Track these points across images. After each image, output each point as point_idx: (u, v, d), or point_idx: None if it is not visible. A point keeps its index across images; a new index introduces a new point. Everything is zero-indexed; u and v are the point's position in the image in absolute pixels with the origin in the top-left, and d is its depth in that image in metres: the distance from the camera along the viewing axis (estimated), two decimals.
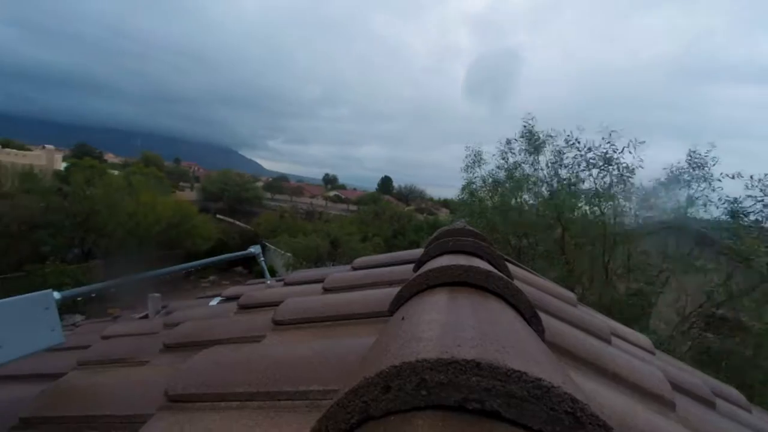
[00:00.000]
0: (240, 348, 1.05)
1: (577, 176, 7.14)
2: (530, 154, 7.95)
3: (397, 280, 1.57)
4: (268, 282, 2.91)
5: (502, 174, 8.76)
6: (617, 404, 0.85)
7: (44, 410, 1.05)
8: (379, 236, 21.61)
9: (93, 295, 1.67)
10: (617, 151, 6.51)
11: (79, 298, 1.55)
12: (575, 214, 7.24)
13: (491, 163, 9.00)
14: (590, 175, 6.98)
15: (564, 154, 7.38)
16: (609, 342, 1.43)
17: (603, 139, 6.61)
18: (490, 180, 8.92)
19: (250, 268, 19.71)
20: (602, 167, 6.69)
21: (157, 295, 3.31)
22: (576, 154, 7.08)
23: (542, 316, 0.91)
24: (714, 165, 6.16)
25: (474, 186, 9.17)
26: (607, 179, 6.84)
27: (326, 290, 1.71)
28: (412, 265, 1.60)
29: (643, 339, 1.90)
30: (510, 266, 1.59)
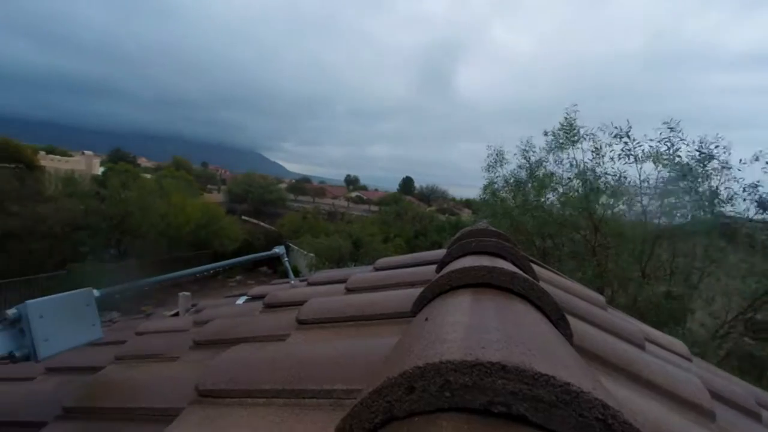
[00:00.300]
0: (265, 346, 1.07)
1: (620, 174, 6.70)
2: (559, 149, 7.58)
3: (419, 281, 1.57)
4: (292, 282, 2.96)
5: (523, 173, 8.56)
6: (651, 413, 0.81)
7: (85, 401, 1.11)
8: (401, 237, 21.60)
9: (128, 293, 1.75)
10: (674, 146, 6.08)
11: (116, 296, 1.63)
12: (611, 212, 6.90)
13: (513, 163, 8.81)
14: (641, 169, 6.53)
15: (603, 149, 6.95)
16: (642, 347, 1.37)
17: (660, 133, 6.19)
18: (512, 180, 8.74)
19: (275, 268, 20.14)
20: (663, 161, 6.19)
21: (187, 293, 3.44)
22: (624, 148, 6.58)
23: (570, 319, 0.88)
24: (729, 154, 5.82)
25: (496, 186, 9.02)
26: (663, 175, 6.41)
27: (349, 290, 1.73)
28: (434, 266, 1.59)
29: (678, 344, 1.81)
30: (535, 267, 1.56)
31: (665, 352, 1.60)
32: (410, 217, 28.04)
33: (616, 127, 6.58)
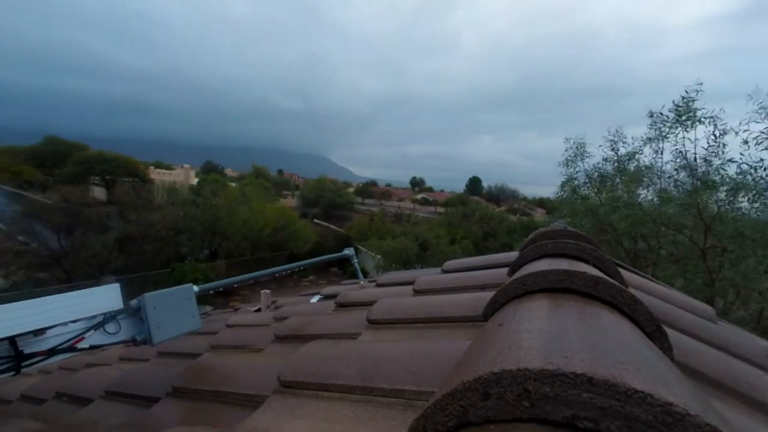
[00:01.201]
0: (339, 343, 1.12)
1: (754, 163, 5.50)
2: (662, 138, 6.54)
3: (490, 284, 1.51)
4: (361, 282, 3.05)
5: (609, 167, 7.72)
6: None
7: (189, 383, 1.27)
8: (468, 239, 20.98)
9: (221, 289, 1.97)
10: None
11: (210, 291, 1.85)
12: (729, 209, 5.82)
13: (596, 156, 8.00)
14: None
15: (723, 136, 5.87)
16: (766, 369, 1.15)
17: None
18: (596, 174, 7.94)
19: (344, 269, 20.96)
20: None
21: (267, 291, 3.73)
22: (765, 129, 5.31)
23: (669, 331, 0.78)
24: None
25: (576, 182, 8.28)
26: None
27: (417, 292, 1.73)
28: (505, 269, 1.52)
29: None
30: (623, 272, 1.40)
31: None
32: (478, 218, 27.11)
33: (761, 104, 5.25)
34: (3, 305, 1.07)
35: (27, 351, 1.14)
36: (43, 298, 1.15)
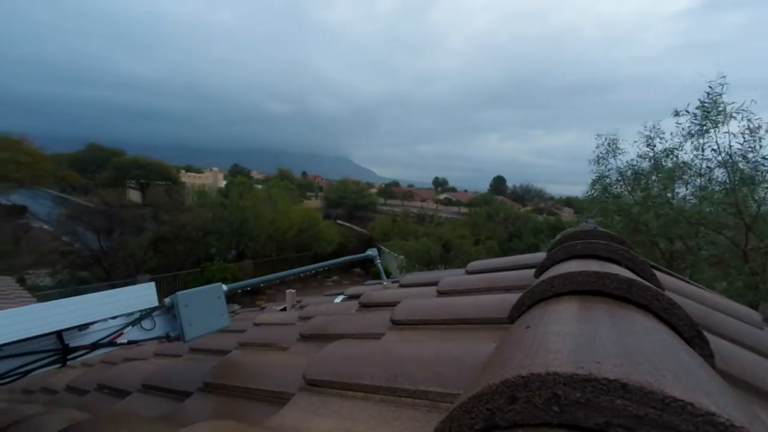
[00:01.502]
0: (363, 343, 1.13)
1: None
2: (700, 135, 6.23)
3: (516, 286, 1.48)
4: (384, 283, 3.06)
5: (645, 164, 7.37)
6: None
7: (219, 379, 1.31)
8: (493, 239, 20.60)
9: (248, 288, 2.03)
10: None
11: (238, 290, 1.90)
12: None
13: (630, 153, 7.67)
14: None
15: (758, 130, 5.54)
16: None
17: None
18: (630, 172, 7.60)
19: (367, 270, 21.06)
20: None
21: (292, 290, 3.80)
22: None
23: (709, 337, 0.74)
24: None
25: (608, 180, 7.95)
26: None
27: (441, 293, 1.72)
28: (532, 271, 1.48)
29: None
30: (659, 275, 1.34)
31: None
32: (503, 219, 26.57)
33: None
34: (52, 302, 1.14)
35: (72, 345, 1.22)
36: (86, 295, 1.22)
